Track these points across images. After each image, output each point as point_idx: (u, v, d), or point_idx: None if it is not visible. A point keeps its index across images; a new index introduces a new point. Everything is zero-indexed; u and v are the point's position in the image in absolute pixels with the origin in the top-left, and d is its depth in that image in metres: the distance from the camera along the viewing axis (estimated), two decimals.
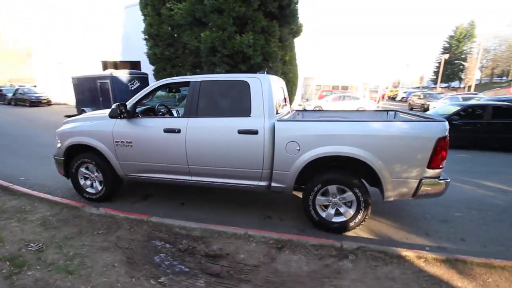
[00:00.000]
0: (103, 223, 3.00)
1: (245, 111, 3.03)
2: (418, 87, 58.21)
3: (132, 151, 3.34)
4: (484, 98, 14.29)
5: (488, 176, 4.91)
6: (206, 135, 3.09)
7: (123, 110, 3.24)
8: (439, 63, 55.12)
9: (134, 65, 20.64)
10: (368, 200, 2.80)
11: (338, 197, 2.91)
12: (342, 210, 2.93)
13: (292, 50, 13.53)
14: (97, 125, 3.50)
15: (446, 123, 2.63)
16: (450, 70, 54.13)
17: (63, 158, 3.69)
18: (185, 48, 11.50)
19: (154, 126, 3.29)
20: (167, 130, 3.19)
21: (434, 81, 56.97)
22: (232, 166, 3.07)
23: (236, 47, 9.53)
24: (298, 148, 2.83)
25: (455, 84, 56.14)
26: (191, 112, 3.18)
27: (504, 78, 55.00)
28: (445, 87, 50.76)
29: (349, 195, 2.85)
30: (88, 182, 3.72)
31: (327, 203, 2.96)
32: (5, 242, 2.61)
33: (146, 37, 12.18)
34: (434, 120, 2.73)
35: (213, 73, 11.42)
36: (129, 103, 3.40)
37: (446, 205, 3.67)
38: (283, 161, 2.91)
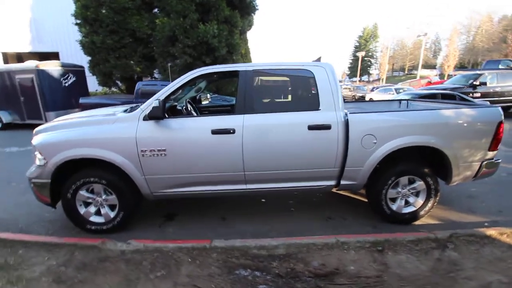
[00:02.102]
0: (150, 261, 2.24)
1: (313, 104, 2.67)
2: (341, 81, 65.66)
3: (165, 161, 2.59)
4: (409, 88, 16.83)
5: None
6: (270, 135, 2.61)
7: (164, 109, 2.46)
8: (353, 59, 63.43)
9: (47, 57, 16.88)
10: (438, 187, 2.83)
11: (407, 188, 2.86)
12: (411, 200, 2.89)
13: (246, 44, 13.24)
14: (110, 130, 2.58)
15: (500, 108, 2.83)
16: (361, 65, 62.70)
17: (49, 181, 2.63)
18: (133, 37, 9.95)
19: (197, 127, 2.62)
20: (216, 131, 2.57)
21: (349, 76, 65.44)
22: (300, 167, 2.69)
23: (200, 37, 8.70)
24: (375, 141, 2.64)
25: (364, 78, 65.29)
26: (246, 107, 2.64)
27: (401, 72, 66.58)
28: (360, 80, 58.30)
29: (419, 184, 2.83)
30: (93, 209, 2.76)
31: (396, 195, 2.88)
32: None
33: (79, 21, 10.05)
34: (486, 106, 2.92)
35: (167, 67, 10.23)
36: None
37: None
38: (358, 157, 2.68)
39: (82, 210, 2.74)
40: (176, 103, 3.28)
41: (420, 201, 2.88)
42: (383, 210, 2.86)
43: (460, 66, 40.33)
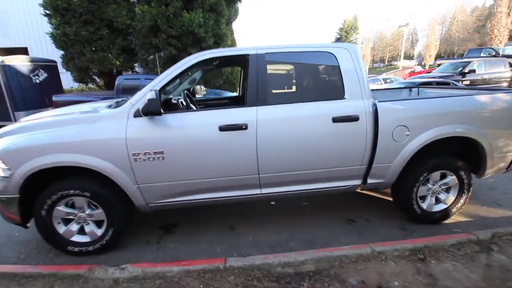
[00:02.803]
0: None
1: (337, 92, 2.30)
2: None
3: (164, 166, 2.14)
4: (396, 78, 16.91)
5: None
6: (288, 130, 2.21)
7: (160, 103, 1.99)
8: None
9: (14, 53, 15.45)
10: (471, 182, 2.56)
11: (438, 184, 2.57)
12: (442, 197, 2.61)
13: (233, 34, 12.66)
14: (91, 130, 2.08)
15: None
16: None
17: (18, 196, 2.11)
18: (111, 27, 9.13)
19: (201, 123, 2.17)
20: (225, 128, 2.14)
21: None
22: (323, 166, 2.31)
23: (185, 26, 8.07)
24: (408, 133, 2.31)
25: None
26: (259, 98, 2.21)
27: (381, 64, 67.93)
28: None
29: (452, 179, 2.54)
30: (75, 227, 2.27)
31: (426, 193, 2.58)
32: None
33: (48, 12, 9.09)
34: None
35: (149, 59, 9.50)
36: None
37: None
38: (388, 151, 2.34)
39: (61, 229, 2.25)
40: (170, 96, 2.79)
41: (451, 197, 2.60)
42: (413, 210, 2.56)
43: (437, 56, 41.56)
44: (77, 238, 2.28)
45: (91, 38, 9.00)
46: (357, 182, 2.45)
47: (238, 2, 10.63)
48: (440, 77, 10.12)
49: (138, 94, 2.15)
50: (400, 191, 2.57)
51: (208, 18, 8.65)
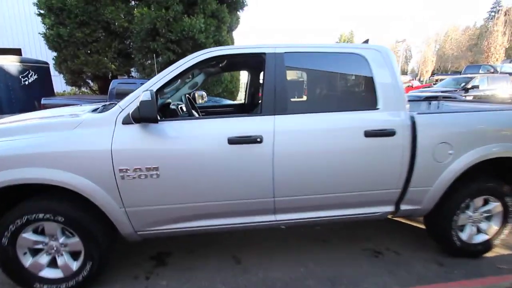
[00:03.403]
0: None
1: (368, 102, 1.95)
2: None
3: (158, 185, 1.73)
4: None
5: None
6: (311, 143, 1.83)
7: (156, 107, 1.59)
8: None
9: (6, 54, 14.97)
10: None
11: (480, 211, 2.20)
12: (484, 226, 2.23)
13: (233, 43, 12.46)
14: (68, 139, 1.67)
15: None
16: None
17: None
18: (107, 30, 8.78)
19: (206, 134, 1.78)
20: (236, 140, 1.75)
21: None
22: (351, 189, 1.93)
23: (186, 31, 7.77)
24: (451, 151, 1.95)
25: None
26: (277, 106, 1.83)
27: None
28: None
29: (495, 206, 2.18)
30: (45, 259, 1.82)
31: (465, 222, 2.21)
32: None
33: (42, 11, 8.73)
34: None
35: (147, 64, 9.15)
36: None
37: None
38: (427, 173, 1.98)
39: (27, 261, 1.80)
40: (169, 101, 2.39)
41: (494, 227, 2.22)
42: (452, 242, 2.17)
43: (433, 72, 42.28)
44: (47, 273, 1.83)
45: (86, 40, 8.62)
46: (389, 208, 2.07)
47: (240, 10, 10.43)
48: (442, 91, 9.97)
49: (130, 96, 1.76)
50: (437, 220, 2.19)
51: (210, 24, 8.38)
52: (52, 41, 8.73)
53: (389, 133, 1.86)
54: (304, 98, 2.03)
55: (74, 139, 1.66)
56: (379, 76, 1.94)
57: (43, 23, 8.81)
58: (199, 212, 1.83)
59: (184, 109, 2.36)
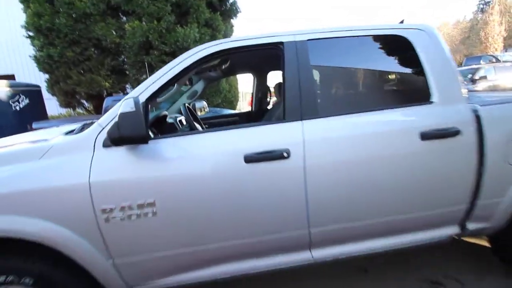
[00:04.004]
0: None
1: (419, 94, 1.53)
2: None
3: (157, 226, 1.30)
4: None
5: None
6: (353, 154, 1.40)
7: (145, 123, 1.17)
8: None
9: None
10: None
11: None
12: None
13: None
14: (31, 172, 1.24)
15: None
16: None
17: None
18: (99, 47, 8.49)
19: (216, 152, 1.35)
20: (255, 157, 1.33)
21: None
22: (410, 208, 1.50)
23: (180, 41, 7.45)
24: None
25: None
26: (305, 108, 1.41)
27: None
28: None
29: None
30: None
31: None
32: None
33: (30, 33, 8.47)
34: None
35: (142, 79, 8.83)
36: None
37: None
38: (498, 180, 1.54)
39: None
40: (165, 113, 1.97)
41: None
42: None
43: None
44: None
45: (77, 59, 8.32)
46: (453, 229, 1.62)
47: (234, 18, 10.18)
48: None
49: (113, 109, 1.34)
50: (509, 238, 1.73)
51: (204, 34, 8.09)
52: (43, 62, 8.44)
53: (452, 132, 1.43)
54: (336, 95, 1.62)
55: (39, 172, 1.24)
56: (429, 61, 1.53)
57: (32, 45, 8.54)
58: (212, 256, 1.39)
59: (184, 122, 1.94)
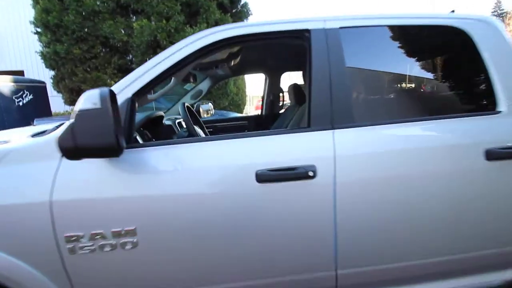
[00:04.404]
0: None
1: (482, 102, 1.21)
2: None
3: (137, 260, 0.98)
4: None
5: None
6: (399, 177, 1.07)
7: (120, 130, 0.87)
8: None
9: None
10: None
11: None
12: None
13: None
14: None
15: None
16: None
17: None
18: (106, 45, 8.34)
19: (219, 166, 1.04)
20: (269, 176, 1.01)
21: None
22: (467, 246, 1.16)
23: None
24: None
25: None
26: (336, 115, 1.09)
27: None
28: None
29: None
30: None
31: None
32: None
33: (38, 29, 8.39)
34: None
35: None
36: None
37: None
38: None
39: None
40: (161, 113, 1.67)
41: None
42: None
43: None
44: None
45: (83, 57, 8.18)
46: None
47: (245, 20, 9.97)
48: None
49: (79, 103, 1.04)
50: None
51: None
52: (49, 59, 8.33)
53: None
54: (376, 98, 1.30)
55: None
56: (494, 60, 1.20)
57: (39, 41, 8.45)
58: None
59: (184, 124, 1.63)
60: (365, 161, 1.06)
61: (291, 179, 1.04)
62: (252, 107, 20.17)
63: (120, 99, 1.03)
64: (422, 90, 1.35)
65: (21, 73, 15.95)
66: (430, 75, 1.37)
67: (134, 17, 8.51)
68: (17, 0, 11.36)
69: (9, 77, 7.80)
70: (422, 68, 1.34)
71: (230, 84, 9.43)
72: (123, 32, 8.06)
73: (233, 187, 1.02)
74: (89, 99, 0.81)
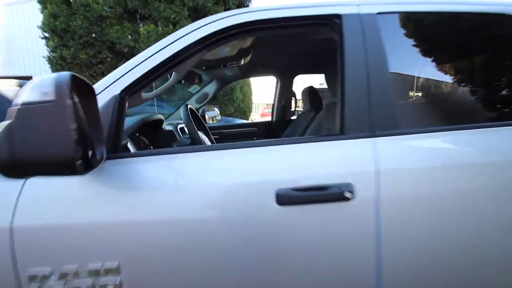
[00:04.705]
0: None
1: None
2: None
3: None
4: None
5: None
6: (463, 197, 0.82)
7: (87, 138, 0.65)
8: None
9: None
10: None
11: None
12: None
13: None
14: None
15: None
16: None
17: None
18: (112, 50, 8.30)
19: (225, 184, 0.81)
20: (293, 197, 0.77)
21: None
22: None
23: None
24: None
25: None
26: (377, 120, 0.86)
27: None
28: None
29: None
30: None
31: None
32: None
33: (46, 34, 8.41)
34: None
35: (154, 84, 8.57)
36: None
37: None
38: None
39: None
40: (160, 117, 1.46)
41: None
42: None
43: None
44: None
45: (90, 62, 8.16)
46: None
47: None
48: None
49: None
50: None
51: None
52: (56, 63, 8.32)
53: None
54: (428, 98, 1.07)
55: None
56: None
57: (47, 45, 8.47)
58: None
59: (186, 129, 1.41)
60: (418, 177, 0.82)
61: (320, 201, 0.81)
62: (258, 114, 20.02)
63: (106, 96, 0.82)
64: (482, 88, 1.11)
65: (29, 78, 16.20)
66: (491, 70, 1.13)
67: (142, 23, 8.51)
68: (27, 6, 11.52)
69: (16, 81, 7.80)
70: (482, 61, 1.11)
71: (236, 91, 9.30)
72: (130, 37, 8.04)
73: (248, 211, 0.79)
74: (38, 87, 0.57)
